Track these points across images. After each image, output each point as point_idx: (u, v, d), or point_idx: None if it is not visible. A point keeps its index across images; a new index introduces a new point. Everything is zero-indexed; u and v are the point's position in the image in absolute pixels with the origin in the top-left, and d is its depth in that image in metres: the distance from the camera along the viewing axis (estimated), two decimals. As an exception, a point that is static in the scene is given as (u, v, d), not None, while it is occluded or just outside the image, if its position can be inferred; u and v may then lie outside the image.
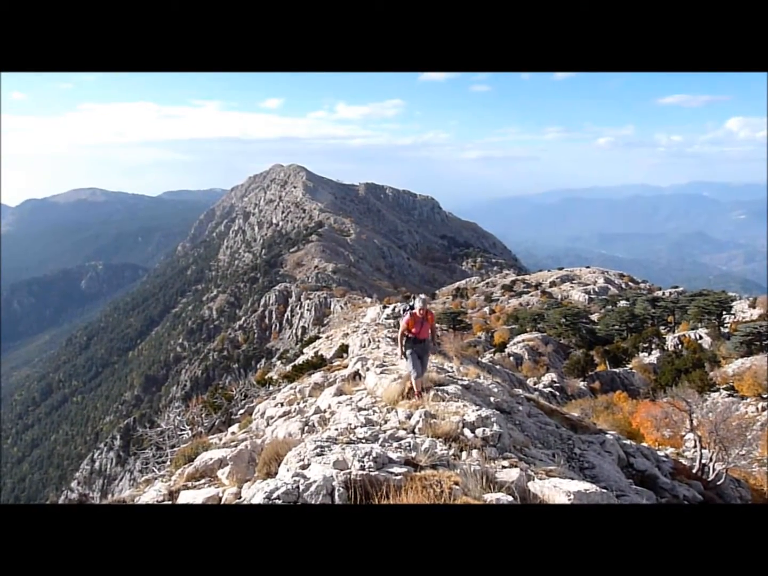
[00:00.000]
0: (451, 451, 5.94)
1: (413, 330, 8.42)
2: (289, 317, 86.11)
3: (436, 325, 9.19)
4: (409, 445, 5.88)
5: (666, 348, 43.50)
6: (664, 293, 68.22)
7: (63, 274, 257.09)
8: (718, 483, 13.94)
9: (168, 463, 10.79)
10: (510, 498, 4.60)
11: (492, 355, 42.58)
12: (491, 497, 4.54)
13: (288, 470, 5.24)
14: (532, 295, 79.46)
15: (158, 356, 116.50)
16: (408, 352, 8.44)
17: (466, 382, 10.30)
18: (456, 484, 4.61)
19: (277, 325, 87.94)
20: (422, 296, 8.81)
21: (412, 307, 8.67)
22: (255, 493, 4.69)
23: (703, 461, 15.13)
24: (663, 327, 52.41)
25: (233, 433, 11.59)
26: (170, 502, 6.66)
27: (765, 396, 26.34)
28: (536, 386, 32.17)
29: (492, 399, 10.19)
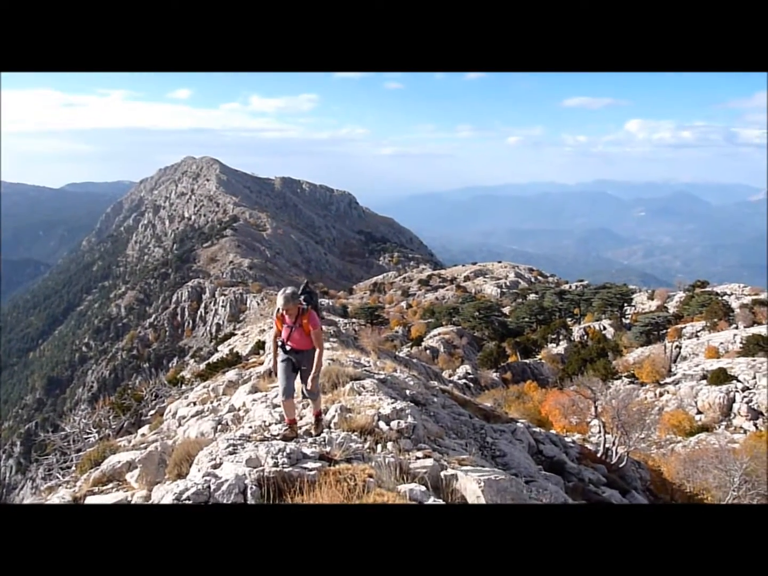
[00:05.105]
0: (366, 445, 5.98)
1: (282, 335, 6.22)
2: (203, 314, 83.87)
3: (321, 332, 6.40)
4: (324, 440, 5.87)
5: (572, 339, 45.64)
6: (570, 286, 71.38)
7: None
8: (621, 465, 14.74)
9: (73, 468, 10.27)
10: (423, 488, 4.68)
11: (409, 348, 43.24)
12: (405, 488, 4.62)
13: (199, 470, 5.11)
14: (447, 290, 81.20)
15: (62, 357, 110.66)
16: (280, 361, 6.24)
17: (382, 376, 10.40)
18: (370, 476, 4.65)
19: (190, 322, 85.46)
20: (288, 289, 6.12)
21: (303, 298, 6.26)
22: (164, 495, 4.55)
23: (607, 445, 15.98)
24: (570, 319, 54.88)
25: (143, 434, 11.16)
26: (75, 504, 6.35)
27: (662, 382, 28.09)
28: (451, 378, 32.92)
29: (408, 392, 10.34)
